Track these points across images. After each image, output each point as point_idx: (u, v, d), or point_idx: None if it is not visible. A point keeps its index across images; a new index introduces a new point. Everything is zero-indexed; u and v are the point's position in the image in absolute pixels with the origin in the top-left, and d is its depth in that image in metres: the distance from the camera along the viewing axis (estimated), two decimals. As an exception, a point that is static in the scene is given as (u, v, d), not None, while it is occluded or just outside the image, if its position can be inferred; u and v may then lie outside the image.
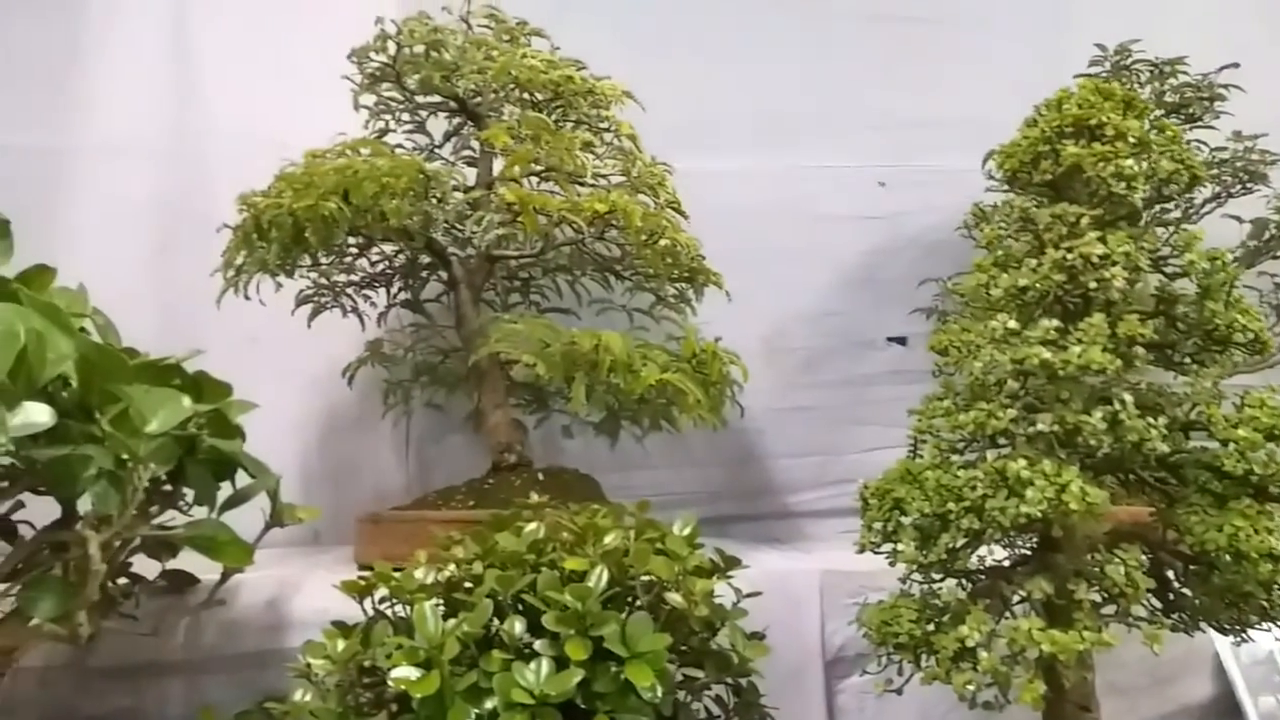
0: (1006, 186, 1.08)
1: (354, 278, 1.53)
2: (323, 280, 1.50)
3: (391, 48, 1.39)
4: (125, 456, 0.80)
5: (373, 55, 1.40)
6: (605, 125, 1.44)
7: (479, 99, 1.43)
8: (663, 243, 1.32)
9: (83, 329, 0.91)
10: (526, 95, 1.42)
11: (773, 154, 1.73)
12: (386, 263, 1.54)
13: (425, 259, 1.52)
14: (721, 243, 1.49)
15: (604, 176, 1.38)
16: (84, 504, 0.93)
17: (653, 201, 1.39)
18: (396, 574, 0.92)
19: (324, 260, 1.44)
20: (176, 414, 0.84)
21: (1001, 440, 0.98)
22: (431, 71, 1.36)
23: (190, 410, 0.85)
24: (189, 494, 1.00)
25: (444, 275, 1.55)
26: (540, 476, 1.38)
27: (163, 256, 1.65)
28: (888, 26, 1.80)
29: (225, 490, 1.03)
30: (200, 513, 1.02)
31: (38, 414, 0.74)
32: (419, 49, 1.39)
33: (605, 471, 1.54)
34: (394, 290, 1.59)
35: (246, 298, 1.40)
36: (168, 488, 0.94)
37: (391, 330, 1.63)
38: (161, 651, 1.08)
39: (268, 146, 1.57)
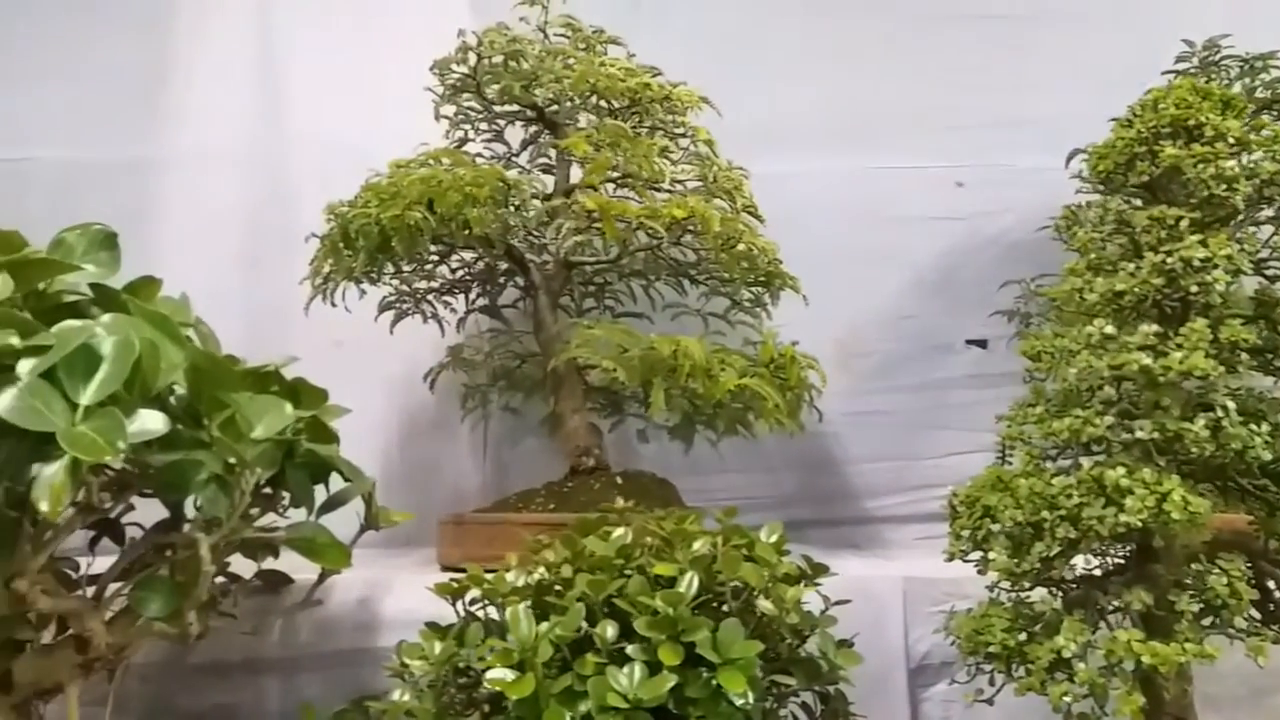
0: (1098, 187, 1.06)
1: (434, 284, 1.56)
2: (404, 287, 1.53)
3: (472, 59, 1.41)
4: (233, 461, 0.83)
5: (454, 67, 1.43)
6: (681, 131, 1.44)
7: (556, 107, 1.44)
8: (740, 247, 1.32)
9: (187, 338, 0.94)
10: (604, 103, 1.43)
11: (848, 155, 1.71)
12: (466, 269, 1.56)
13: (503, 266, 1.54)
14: (795, 245, 1.49)
15: (680, 182, 1.38)
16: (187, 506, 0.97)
17: (729, 206, 1.39)
18: (488, 576, 0.93)
19: (406, 268, 1.47)
20: (280, 420, 0.86)
21: (1095, 448, 0.96)
22: (511, 81, 1.38)
23: (293, 417, 0.87)
24: (285, 497, 1.03)
25: (521, 281, 1.57)
26: (618, 480, 1.39)
27: (249, 264, 1.71)
28: (964, 24, 1.77)
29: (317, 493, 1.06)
30: (295, 515, 1.05)
31: (153, 421, 0.77)
32: (498, 59, 1.41)
33: (679, 475, 1.55)
34: (472, 296, 1.61)
35: (333, 304, 1.43)
36: (267, 491, 0.96)
37: (470, 336, 1.66)
38: (258, 649, 1.12)
39: (350, 157, 1.62)
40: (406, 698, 0.86)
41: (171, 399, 0.86)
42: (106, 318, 0.84)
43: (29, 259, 0.87)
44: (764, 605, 0.86)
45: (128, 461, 0.80)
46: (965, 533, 1.00)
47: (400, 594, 1.19)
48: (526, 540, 1.23)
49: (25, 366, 0.75)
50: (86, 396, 0.75)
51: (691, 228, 1.34)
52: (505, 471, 1.71)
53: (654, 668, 0.83)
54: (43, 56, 1.75)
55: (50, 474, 0.72)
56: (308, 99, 1.74)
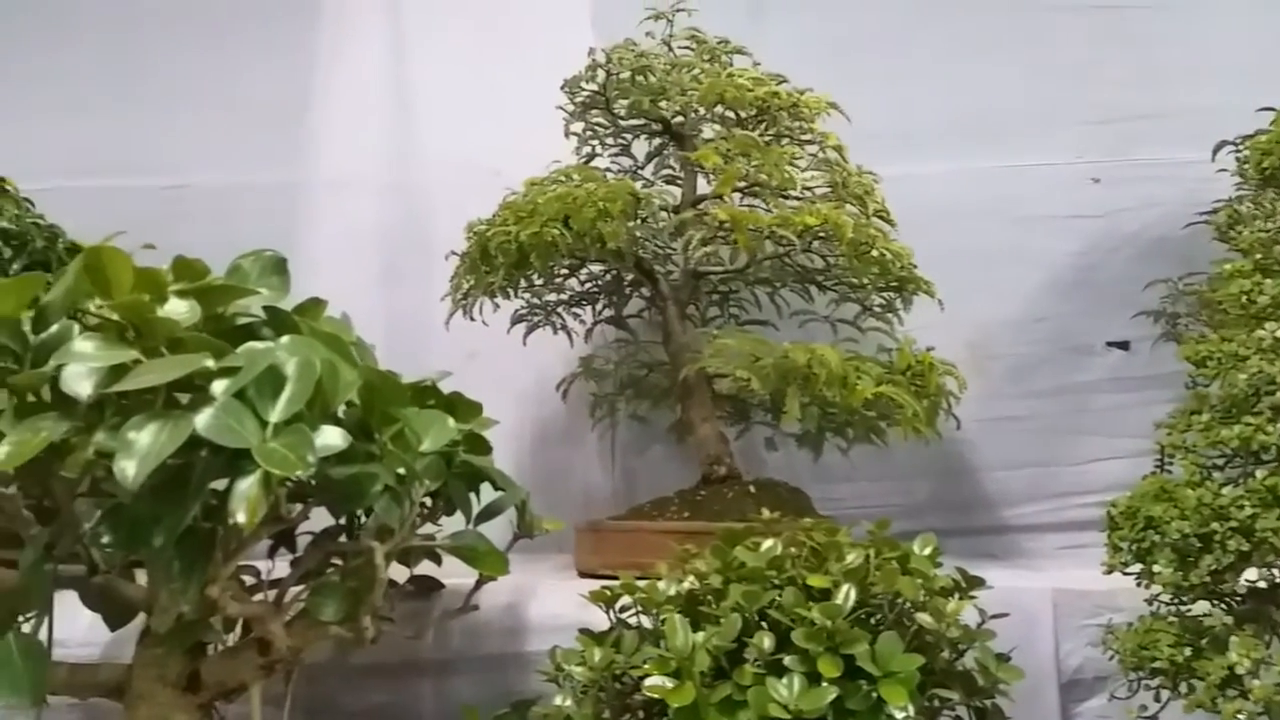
0: (1257, 183, 1.02)
1: (563, 297, 1.59)
2: (535, 300, 1.57)
3: (601, 76, 1.44)
4: (403, 473, 0.87)
5: (583, 84, 1.46)
6: (808, 138, 1.44)
7: (683, 119, 1.46)
8: (873, 253, 1.31)
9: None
10: (730, 113, 1.44)
11: (978, 154, 1.68)
12: (594, 282, 1.60)
13: (629, 277, 1.57)
14: (923, 248, 1.46)
15: (810, 189, 1.38)
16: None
17: (860, 211, 1.38)
18: (640, 585, 0.95)
19: (538, 281, 1.51)
20: (445, 434, 0.90)
21: (1265, 456, 0.92)
22: (640, 96, 1.40)
23: (455, 430, 0.91)
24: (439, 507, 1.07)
25: (647, 292, 1.59)
26: (752, 489, 1.39)
27: (388, 282, 1.78)
28: (1098, 15, 1.72)
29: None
30: (449, 523, 1.09)
31: (333, 437, 0.81)
32: (625, 75, 1.44)
33: (807, 483, 1.54)
34: (599, 307, 1.64)
35: (471, 319, 1.48)
36: (427, 501, 1.00)
37: (598, 346, 1.69)
38: (413, 651, 1.16)
39: (481, 176, 1.68)
40: (569, 703, 0.88)
41: (340, 413, 0.91)
42: (285, 339, 0.89)
43: (212, 285, 0.92)
44: (923, 619, 0.86)
45: (312, 475, 0.84)
46: (1126, 545, 0.97)
47: (545, 599, 1.22)
48: (675, 549, 1.25)
49: (219, 387, 0.80)
50: (275, 414, 0.80)
51: (823, 235, 1.33)
52: (633, 479, 1.74)
53: (811, 679, 0.83)
54: (193, 87, 1.86)
55: (245, 487, 0.77)
56: (440, 122, 1.80)
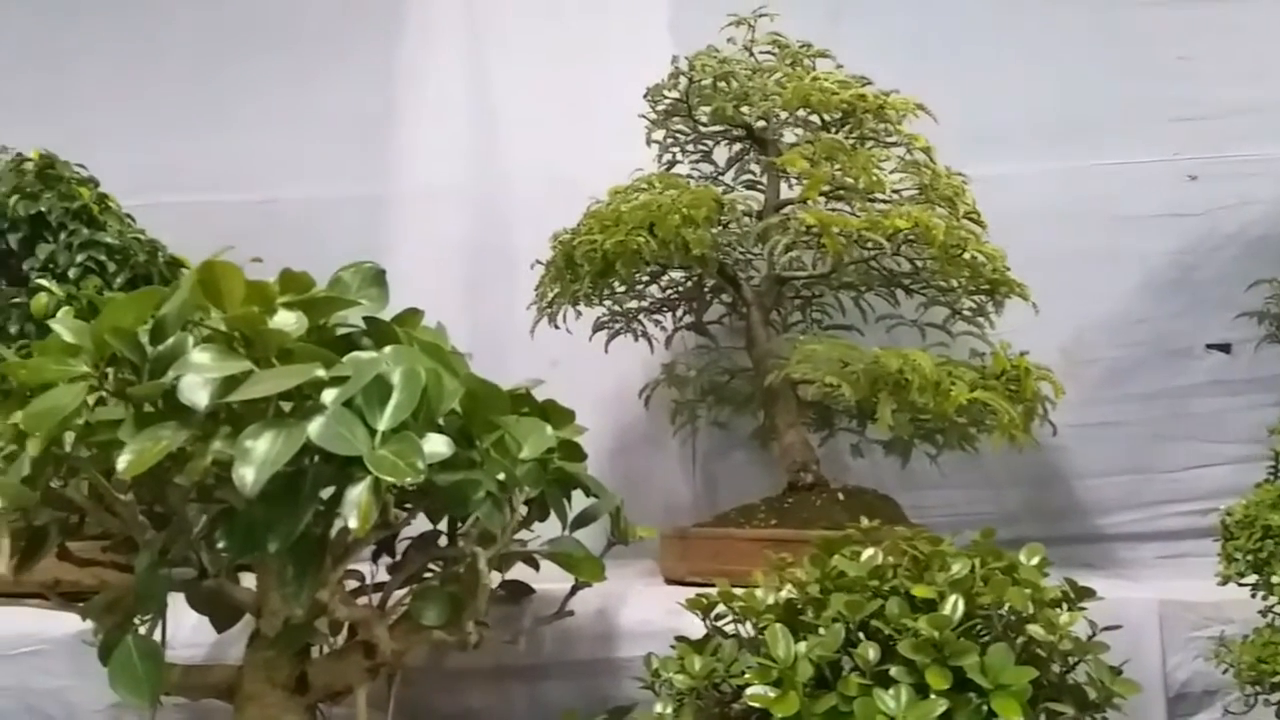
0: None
1: (644, 303, 1.60)
2: (616, 307, 1.58)
3: (683, 83, 1.44)
4: (502, 479, 0.88)
5: (665, 92, 1.46)
6: (894, 139, 1.42)
7: (765, 124, 1.46)
8: (965, 256, 1.29)
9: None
10: (814, 117, 1.43)
11: (1069, 153, 1.64)
12: (675, 289, 1.60)
13: (711, 283, 1.57)
14: (1013, 249, 1.43)
15: (897, 191, 1.36)
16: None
17: (950, 213, 1.35)
18: (738, 593, 0.94)
19: (620, 289, 1.51)
20: (543, 441, 0.91)
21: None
22: (723, 102, 1.40)
23: (554, 438, 0.92)
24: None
25: (728, 298, 1.59)
26: (840, 497, 1.38)
27: (470, 291, 1.80)
28: (1192, 7, 1.66)
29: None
30: (541, 529, 1.10)
31: (439, 445, 0.83)
32: (707, 82, 1.44)
33: (892, 491, 1.52)
34: (679, 314, 1.64)
35: (555, 326, 1.49)
36: (523, 508, 1.01)
37: (678, 352, 1.69)
38: (507, 656, 1.17)
39: (561, 186, 1.70)
40: (669, 710, 0.88)
41: (440, 421, 0.92)
42: (389, 349, 0.91)
43: (316, 297, 0.95)
44: (1035, 630, 0.84)
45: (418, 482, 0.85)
46: (1241, 555, 0.94)
47: (635, 606, 1.22)
48: (763, 557, 1.24)
49: (329, 396, 0.82)
50: (383, 423, 0.82)
51: (912, 238, 1.31)
52: (714, 485, 1.73)
53: (919, 690, 0.82)
54: (282, 104, 1.91)
55: (356, 494, 0.78)
56: (521, 133, 1.82)
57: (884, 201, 1.34)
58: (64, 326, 0.87)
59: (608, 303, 1.55)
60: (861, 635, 0.87)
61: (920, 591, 0.87)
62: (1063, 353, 1.60)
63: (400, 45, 1.88)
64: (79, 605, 0.93)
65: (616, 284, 1.47)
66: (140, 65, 1.94)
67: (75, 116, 1.90)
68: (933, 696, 0.81)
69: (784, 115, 1.45)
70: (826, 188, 1.35)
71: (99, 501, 0.92)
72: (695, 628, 1.03)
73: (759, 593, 0.94)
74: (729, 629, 0.98)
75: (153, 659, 0.86)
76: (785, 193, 1.48)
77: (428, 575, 1.05)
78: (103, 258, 1.46)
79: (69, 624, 1.21)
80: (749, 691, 0.85)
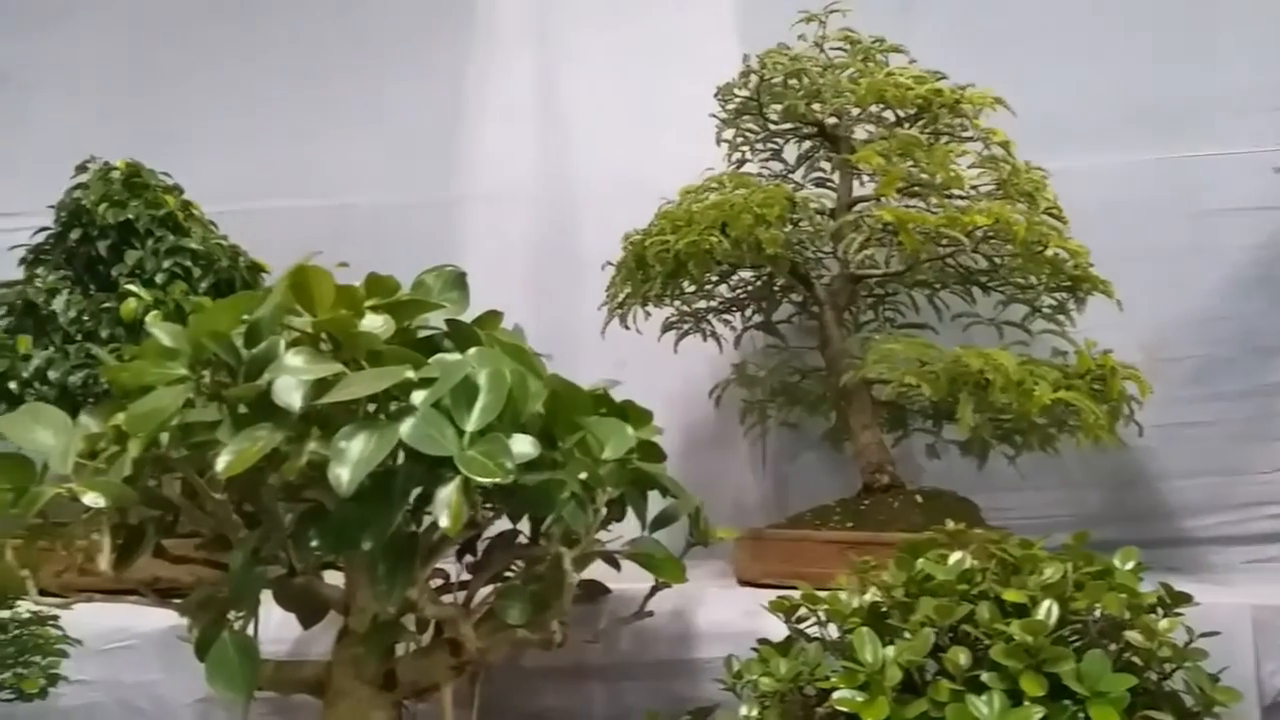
0: None
1: (713, 303, 1.59)
2: (685, 307, 1.57)
3: (753, 81, 1.44)
4: (584, 478, 0.88)
5: (736, 91, 1.46)
6: (969, 134, 1.40)
7: (837, 121, 1.44)
8: (1048, 252, 1.26)
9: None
10: (887, 113, 1.41)
11: (1149, 145, 1.60)
12: (744, 288, 1.59)
13: (781, 282, 1.56)
14: (1093, 245, 1.39)
15: (974, 187, 1.34)
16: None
17: (1029, 209, 1.32)
18: (822, 595, 0.93)
19: (689, 289, 1.51)
20: (624, 441, 0.91)
21: None
22: (795, 100, 1.39)
23: (634, 439, 0.92)
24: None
25: (798, 297, 1.58)
26: (918, 499, 1.36)
27: (538, 293, 1.81)
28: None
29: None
30: (619, 529, 1.10)
31: (524, 445, 0.83)
32: (778, 79, 1.43)
33: (969, 493, 1.49)
34: (749, 313, 1.63)
35: (626, 327, 1.50)
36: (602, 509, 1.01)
37: (747, 352, 1.68)
38: (585, 656, 1.17)
39: (628, 187, 1.70)
40: (754, 713, 0.88)
41: (523, 422, 0.92)
42: (473, 351, 0.92)
43: (401, 300, 0.96)
44: (1133, 636, 0.81)
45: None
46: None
47: (711, 607, 1.22)
48: (839, 559, 1.23)
49: (418, 397, 0.84)
50: (470, 424, 0.83)
51: (991, 234, 1.29)
52: (784, 486, 1.72)
53: (1011, 697, 0.80)
54: (354, 111, 1.95)
55: (447, 494, 0.79)
56: (587, 135, 1.83)
57: (961, 198, 1.32)
58: (162, 331, 0.89)
59: (676, 303, 1.55)
60: (949, 640, 0.86)
61: (1011, 596, 0.85)
62: (1144, 351, 1.55)
63: (470, 52, 1.90)
64: (176, 602, 0.96)
65: (686, 284, 1.47)
66: (224, 79, 2.00)
67: (160, 127, 1.96)
68: (1027, 703, 0.79)
69: (856, 112, 1.44)
70: (901, 184, 1.33)
71: (192, 500, 0.94)
72: (772, 629, 1.02)
73: (843, 596, 0.92)
74: (811, 632, 0.97)
75: (248, 654, 0.88)
76: (857, 190, 1.46)
77: (507, 574, 1.06)
78: (188, 263, 1.50)
79: (159, 620, 1.25)
80: (836, 695, 0.84)
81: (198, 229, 1.56)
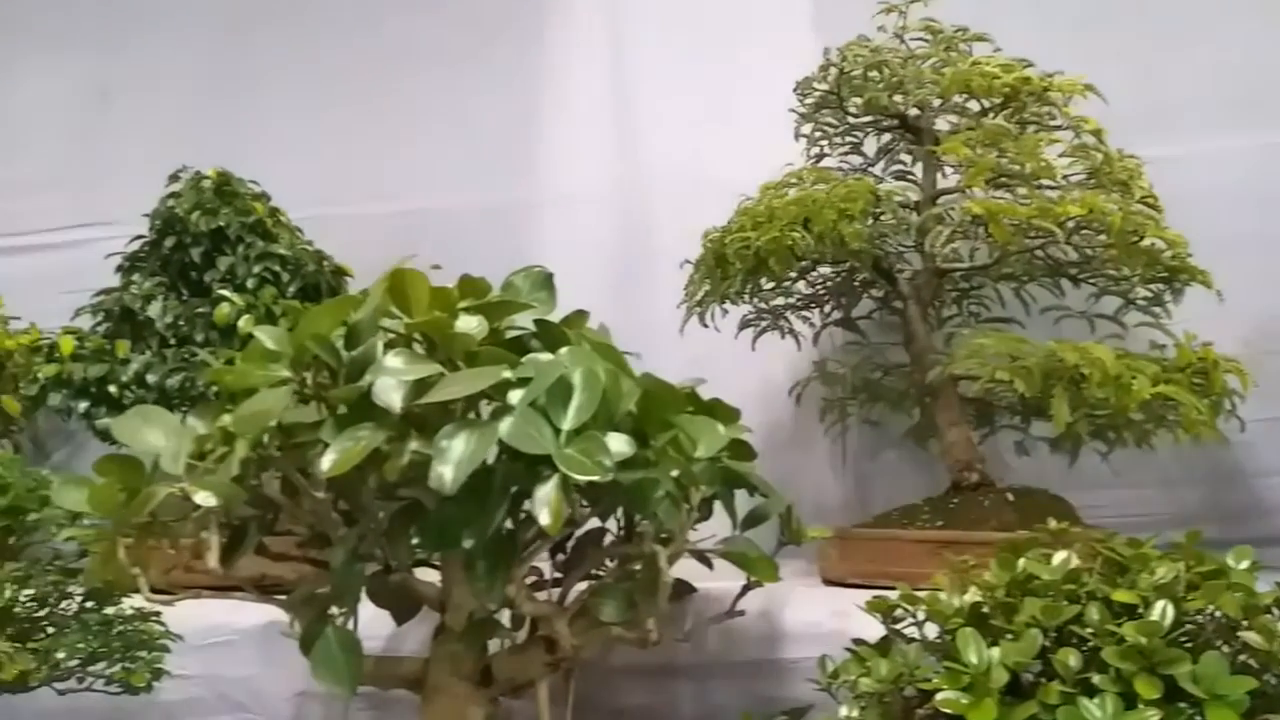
0: None
1: (791, 300, 1.58)
2: (763, 304, 1.56)
3: (833, 74, 1.42)
4: (677, 476, 0.88)
5: (815, 85, 1.44)
6: (1057, 122, 1.36)
7: (919, 113, 1.42)
8: (1144, 242, 1.22)
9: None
10: (971, 103, 1.38)
11: (1249, 131, 1.53)
12: (823, 284, 1.57)
13: (861, 278, 1.54)
14: (1191, 235, 1.35)
15: (1065, 177, 1.30)
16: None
17: (1122, 198, 1.29)
18: (921, 595, 0.92)
19: (767, 286, 1.50)
20: (716, 440, 0.91)
21: None
22: (877, 92, 1.37)
23: (726, 437, 0.91)
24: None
25: (879, 292, 1.55)
26: (1009, 497, 1.33)
27: (612, 293, 1.81)
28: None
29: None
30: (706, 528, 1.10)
31: (620, 444, 0.83)
32: (858, 72, 1.41)
33: (1058, 490, 1.45)
34: (827, 310, 1.62)
35: (704, 325, 1.49)
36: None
37: (825, 349, 1.66)
38: (672, 655, 1.17)
39: (705, 185, 1.69)
40: (854, 714, 0.87)
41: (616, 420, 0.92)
42: (565, 351, 0.92)
43: (493, 302, 0.97)
44: (1250, 637, 0.78)
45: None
46: None
47: (799, 607, 1.21)
48: (929, 559, 1.21)
49: (515, 397, 0.84)
50: (566, 423, 0.83)
51: (1083, 225, 1.25)
52: (866, 485, 1.70)
53: (1125, 700, 0.78)
54: (429, 115, 1.97)
55: (546, 492, 0.80)
56: (661, 133, 1.83)
57: (1051, 188, 1.29)
58: (265, 334, 0.92)
59: (754, 300, 1.54)
60: (1054, 641, 0.84)
61: (1122, 596, 0.83)
62: (1244, 344, 1.49)
63: (543, 53, 1.92)
64: (280, 598, 0.98)
65: (765, 281, 1.46)
66: (303, 87, 2.04)
67: (243, 135, 2.01)
68: (1141, 706, 0.77)
69: (939, 103, 1.41)
70: (989, 175, 1.30)
71: (291, 499, 0.96)
72: (862, 630, 1.01)
73: (943, 596, 0.91)
74: (908, 632, 0.95)
75: (352, 650, 0.90)
76: (941, 182, 1.44)
77: (596, 572, 1.06)
78: (277, 268, 1.54)
79: (256, 616, 1.29)
80: (939, 697, 0.82)
81: (285, 234, 1.61)
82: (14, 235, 2.13)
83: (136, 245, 1.64)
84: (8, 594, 1.10)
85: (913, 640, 0.93)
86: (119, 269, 1.63)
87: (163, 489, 0.84)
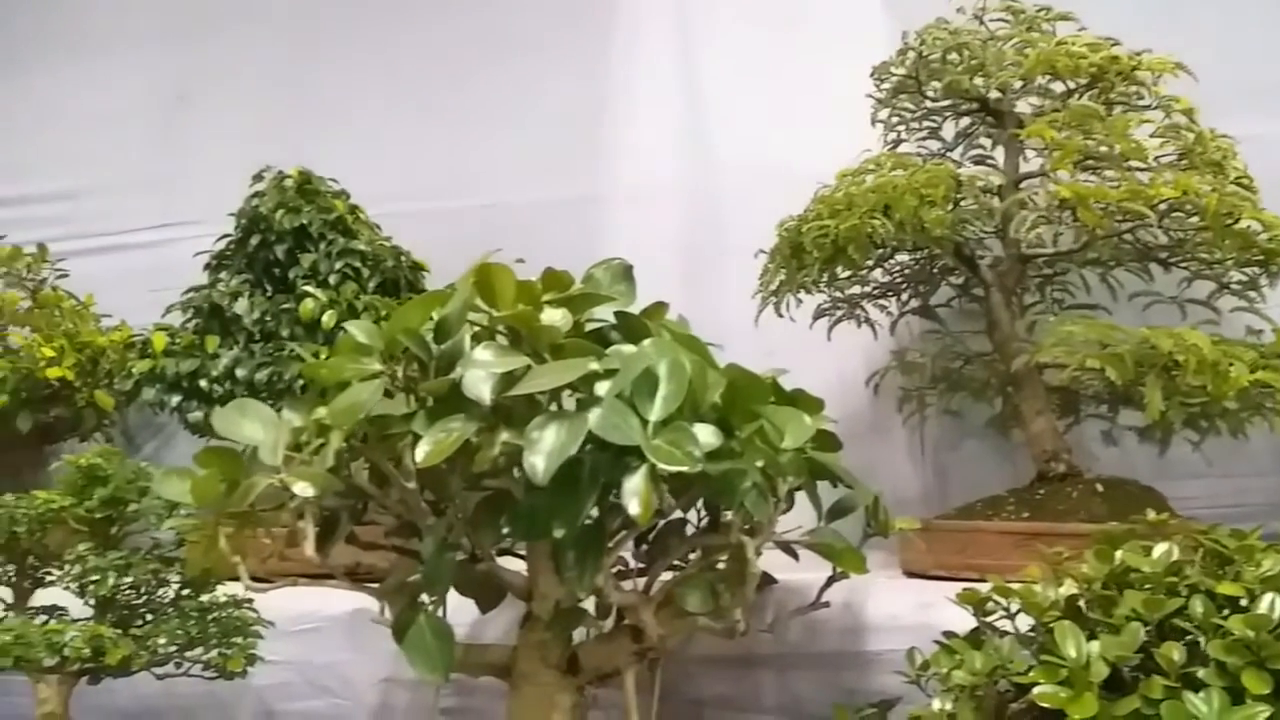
0: None
1: (867, 289, 1.56)
2: (838, 293, 1.55)
3: (911, 58, 1.40)
4: (765, 468, 0.88)
5: (892, 70, 1.42)
6: (1145, 102, 1.32)
7: (1000, 96, 1.39)
8: (1240, 225, 1.18)
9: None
10: (1056, 84, 1.34)
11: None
12: (901, 272, 1.55)
13: (938, 265, 1.51)
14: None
15: (1155, 158, 1.26)
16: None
17: (1215, 179, 1.24)
18: (1016, 588, 0.90)
19: (843, 275, 1.48)
20: (803, 430, 0.90)
21: None
22: (957, 75, 1.34)
23: (812, 428, 0.91)
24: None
25: (957, 279, 1.53)
26: (1099, 487, 1.30)
27: (684, 284, 1.80)
28: None
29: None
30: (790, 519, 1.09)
31: (707, 435, 0.84)
32: (936, 55, 1.38)
33: (1147, 481, 1.41)
34: (905, 298, 1.59)
35: (780, 315, 1.48)
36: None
37: (901, 338, 1.64)
38: (753, 645, 1.17)
39: (775, 174, 1.68)
40: (948, 706, 0.85)
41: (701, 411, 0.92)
42: (648, 342, 0.92)
43: (575, 295, 0.98)
44: (1367, 633, 0.75)
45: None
46: None
47: (882, 599, 1.20)
48: (1015, 550, 1.19)
49: (602, 388, 0.85)
50: (653, 414, 0.83)
51: (1175, 208, 1.21)
52: (945, 476, 1.67)
53: (1232, 694, 0.76)
54: (499, 111, 1.99)
55: (635, 483, 0.80)
56: (731, 123, 1.82)
57: (1141, 170, 1.25)
58: (357, 329, 0.94)
59: (828, 290, 1.53)
60: (1155, 635, 0.82)
61: (1227, 589, 0.80)
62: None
63: (611, 45, 1.92)
64: (372, 586, 1.00)
65: (842, 270, 1.44)
66: (375, 86, 2.08)
67: (317, 134, 2.06)
68: (1249, 701, 0.74)
69: (1020, 85, 1.38)
70: (1077, 157, 1.26)
71: (380, 489, 0.99)
72: (947, 622, 1.00)
73: (1038, 588, 0.89)
74: (999, 625, 0.94)
75: (444, 637, 0.91)
76: (1024, 166, 1.40)
77: (679, 562, 1.07)
78: (357, 264, 1.57)
79: (343, 603, 1.32)
80: (1037, 691, 0.81)
81: (365, 231, 1.64)
82: (102, 235, 2.21)
83: (223, 244, 1.68)
84: (111, 582, 1.14)
85: (1005, 634, 0.92)
86: (207, 267, 1.68)
87: (263, 479, 0.87)
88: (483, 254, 0.97)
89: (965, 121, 1.50)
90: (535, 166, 1.94)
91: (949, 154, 1.51)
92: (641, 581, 1.00)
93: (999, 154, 1.45)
